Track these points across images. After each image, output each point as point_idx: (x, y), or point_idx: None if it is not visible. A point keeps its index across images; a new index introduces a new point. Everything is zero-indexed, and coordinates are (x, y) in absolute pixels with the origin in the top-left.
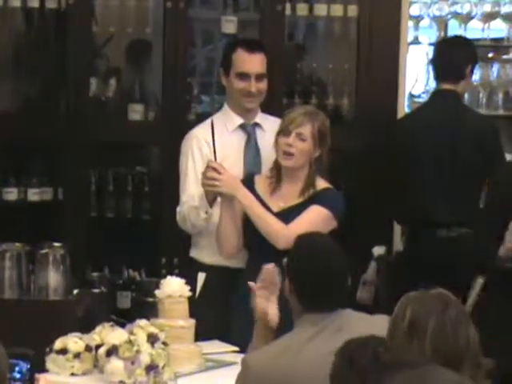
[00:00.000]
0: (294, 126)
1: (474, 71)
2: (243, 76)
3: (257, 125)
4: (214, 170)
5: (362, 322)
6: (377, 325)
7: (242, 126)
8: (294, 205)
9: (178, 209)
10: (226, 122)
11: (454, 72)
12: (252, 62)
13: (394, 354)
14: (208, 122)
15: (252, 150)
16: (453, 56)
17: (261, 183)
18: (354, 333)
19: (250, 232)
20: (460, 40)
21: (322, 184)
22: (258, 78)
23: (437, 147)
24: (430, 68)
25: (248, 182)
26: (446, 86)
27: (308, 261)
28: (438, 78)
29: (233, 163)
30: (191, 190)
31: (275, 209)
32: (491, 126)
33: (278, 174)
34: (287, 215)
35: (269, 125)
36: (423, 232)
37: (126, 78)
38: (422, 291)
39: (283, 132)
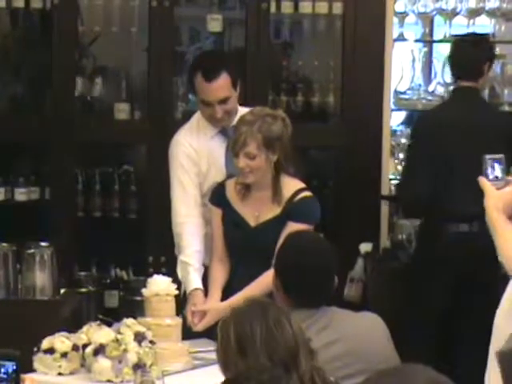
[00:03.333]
0: (239, 147)
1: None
2: (206, 103)
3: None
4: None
5: (348, 320)
6: (362, 322)
7: (221, 132)
8: (270, 219)
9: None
10: (207, 126)
11: (474, 70)
12: (212, 91)
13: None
14: (191, 124)
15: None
16: (471, 54)
17: (231, 190)
18: (340, 330)
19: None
20: (477, 37)
21: (293, 184)
22: (222, 101)
23: (459, 143)
24: (448, 65)
25: (219, 190)
26: (467, 84)
27: (295, 258)
28: (457, 75)
29: (218, 169)
30: (177, 206)
31: (252, 222)
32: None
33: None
34: (265, 230)
35: None
36: (446, 227)
37: (112, 77)
38: (236, 308)
39: (232, 153)
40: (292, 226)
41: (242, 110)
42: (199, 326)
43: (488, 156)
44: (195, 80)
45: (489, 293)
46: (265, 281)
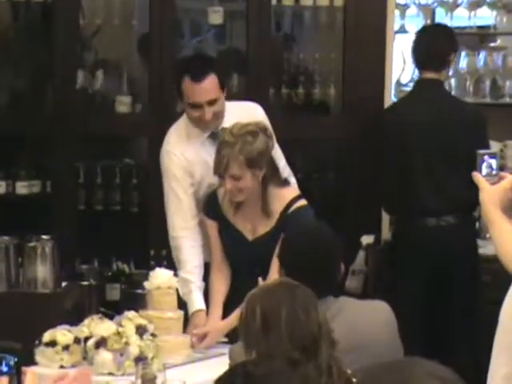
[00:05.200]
0: (223, 170)
1: (460, 59)
2: (195, 105)
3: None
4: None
5: (354, 313)
6: (370, 314)
7: (211, 136)
8: (265, 233)
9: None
10: (196, 132)
11: (437, 61)
12: (201, 92)
13: (264, 365)
14: (179, 131)
15: None
16: (435, 45)
17: (224, 200)
18: (345, 324)
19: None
20: (441, 28)
21: (284, 195)
22: (211, 103)
23: (424, 136)
24: (411, 56)
25: (212, 201)
26: (430, 75)
27: (299, 247)
28: (420, 66)
29: (211, 175)
30: (173, 219)
31: (249, 236)
32: (477, 114)
33: None
34: (263, 245)
35: (237, 119)
36: (413, 221)
37: (113, 70)
38: (265, 285)
39: (218, 175)
40: None
41: (232, 106)
42: (200, 347)
43: (481, 151)
44: (183, 84)
45: (464, 285)
46: None
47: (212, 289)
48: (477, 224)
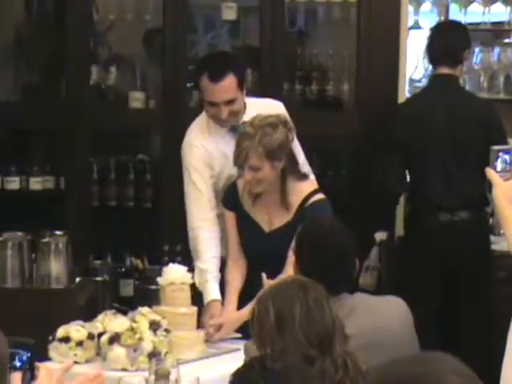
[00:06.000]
0: (242, 161)
1: (474, 55)
2: (212, 104)
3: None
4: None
5: (369, 310)
6: (387, 306)
7: (231, 129)
8: (284, 225)
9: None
10: (217, 125)
11: (452, 56)
12: (218, 92)
13: (281, 360)
14: (200, 124)
15: None
16: (450, 40)
17: (243, 192)
18: (359, 322)
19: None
20: (455, 24)
21: (302, 189)
22: (228, 102)
23: (438, 132)
24: (425, 52)
25: (231, 192)
26: (444, 71)
27: (314, 244)
28: (435, 62)
29: (231, 167)
30: (192, 210)
31: (266, 227)
32: (492, 110)
33: None
34: (279, 237)
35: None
36: (426, 216)
37: (126, 65)
38: (276, 283)
39: (237, 167)
40: None
41: (254, 102)
42: (215, 338)
43: (496, 147)
44: (201, 81)
45: (479, 280)
46: None
47: (228, 280)
48: (490, 220)
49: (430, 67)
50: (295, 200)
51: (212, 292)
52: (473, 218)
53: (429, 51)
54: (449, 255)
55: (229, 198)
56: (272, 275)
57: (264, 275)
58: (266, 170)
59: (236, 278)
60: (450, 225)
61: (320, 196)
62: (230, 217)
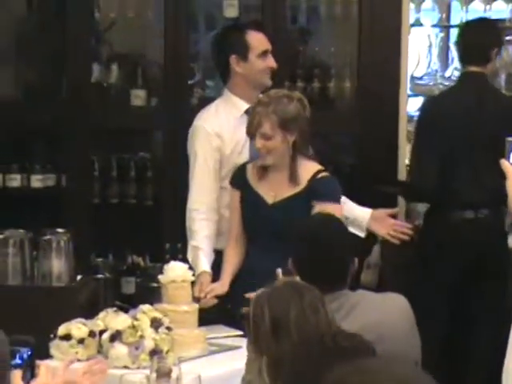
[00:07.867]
0: (254, 127)
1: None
2: (264, 54)
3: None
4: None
5: (370, 307)
6: (389, 302)
7: (247, 112)
8: (288, 197)
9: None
10: (232, 108)
11: (481, 55)
12: (266, 40)
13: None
14: (211, 109)
15: None
16: (479, 39)
17: (251, 171)
18: (361, 319)
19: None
20: (486, 22)
21: (312, 166)
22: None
23: (465, 129)
24: (455, 50)
25: (240, 172)
26: (474, 69)
27: (307, 244)
28: (465, 60)
29: (241, 152)
30: (194, 191)
31: (269, 200)
32: None
33: None
34: (282, 208)
35: None
36: (451, 213)
37: (128, 63)
38: (271, 287)
39: (249, 135)
40: (320, 206)
41: None
42: (206, 302)
43: (511, 138)
44: (248, 38)
45: (499, 278)
46: None
47: (225, 261)
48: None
49: (436, 67)
50: (305, 175)
51: (202, 265)
52: (493, 214)
53: (458, 48)
54: (470, 252)
55: (236, 176)
56: (270, 252)
57: (279, 271)
58: (277, 140)
59: (233, 261)
60: (474, 222)
61: (329, 174)
62: (235, 196)
